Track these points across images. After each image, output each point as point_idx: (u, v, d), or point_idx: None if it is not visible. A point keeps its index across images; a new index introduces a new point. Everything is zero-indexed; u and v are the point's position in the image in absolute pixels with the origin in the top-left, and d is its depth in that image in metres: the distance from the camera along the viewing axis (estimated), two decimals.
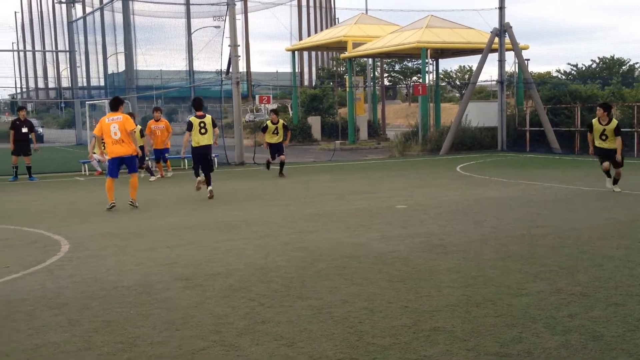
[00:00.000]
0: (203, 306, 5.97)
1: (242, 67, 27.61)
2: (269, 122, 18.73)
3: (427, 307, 5.77)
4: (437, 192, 14.26)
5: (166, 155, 19.11)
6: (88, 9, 43.02)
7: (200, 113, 13.76)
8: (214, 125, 13.88)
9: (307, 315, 5.62)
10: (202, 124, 13.66)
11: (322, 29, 69.93)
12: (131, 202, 12.57)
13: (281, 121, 18.83)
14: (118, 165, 12.44)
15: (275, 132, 18.57)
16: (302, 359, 4.65)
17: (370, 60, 40.25)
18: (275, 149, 18.73)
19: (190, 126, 13.68)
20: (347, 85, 35.42)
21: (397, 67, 62.80)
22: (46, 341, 5.13)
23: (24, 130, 18.81)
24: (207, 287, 6.63)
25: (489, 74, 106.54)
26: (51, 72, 75.24)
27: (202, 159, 13.78)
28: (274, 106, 47.32)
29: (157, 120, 18.71)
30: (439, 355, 4.65)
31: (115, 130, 12.17)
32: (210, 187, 13.78)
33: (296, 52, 41.84)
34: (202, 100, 14.00)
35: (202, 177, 13.89)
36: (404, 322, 5.40)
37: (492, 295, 6.12)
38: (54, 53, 65.41)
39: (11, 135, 18.70)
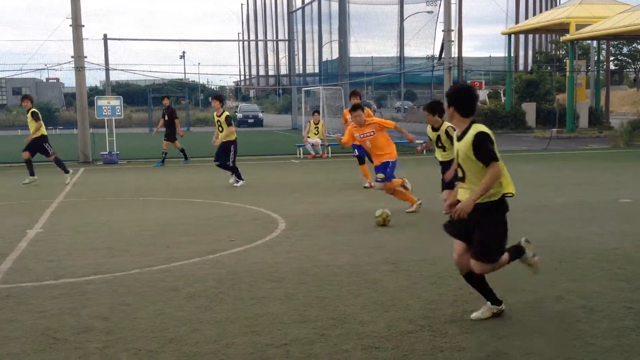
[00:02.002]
0: (410, 290, 6.01)
1: (453, 52, 27.12)
2: None
3: None
4: None
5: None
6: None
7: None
8: None
9: (520, 308, 5.41)
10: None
11: (541, 11, 66.47)
12: None
13: None
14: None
15: None
16: (514, 353, 4.48)
17: (595, 43, 37.46)
18: None
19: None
20: (568, 69, 33.31)
21: (624, 50, 57.78)
22: (265, 311, 5.50)
23: (166, 117, 19.54)
24: (413, 272, 6.65)
25: None
26: (271, 60, 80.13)
27: None
28: (486, 92, 45.98)
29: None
30: None
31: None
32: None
33: (512, 36, 40.22)
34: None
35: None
36: (627, 324, 4.99)
37: None
38: (275, 42, 69.60)
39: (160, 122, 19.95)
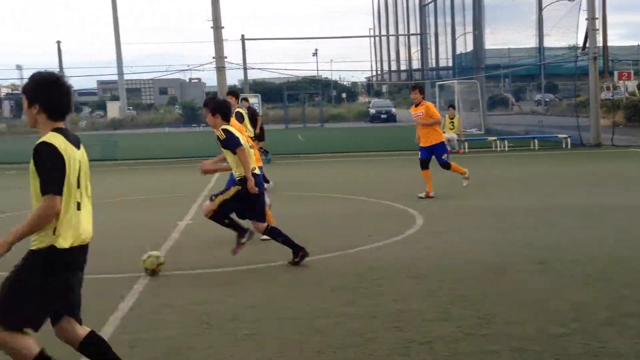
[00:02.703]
0: (560, 292, 5.74)
1: (598, 41, 25.63)
2: None
3: None
4: None
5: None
6: None
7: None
8: None
9: None
10: None
11: None
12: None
13: None
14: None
15: None
16: None
17: None
18: None
19: None
20: None
21: None
22: (408, 308, 5.47)
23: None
24: (564, 272, 6.36)
25: None
26: (403, 55, 79.52)
27: None
28: (635, 83, 43.00)
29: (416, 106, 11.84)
30: None
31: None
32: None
33: None
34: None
35: None
36: None
37: None
38: (406, 36, 69.03)
39: None
